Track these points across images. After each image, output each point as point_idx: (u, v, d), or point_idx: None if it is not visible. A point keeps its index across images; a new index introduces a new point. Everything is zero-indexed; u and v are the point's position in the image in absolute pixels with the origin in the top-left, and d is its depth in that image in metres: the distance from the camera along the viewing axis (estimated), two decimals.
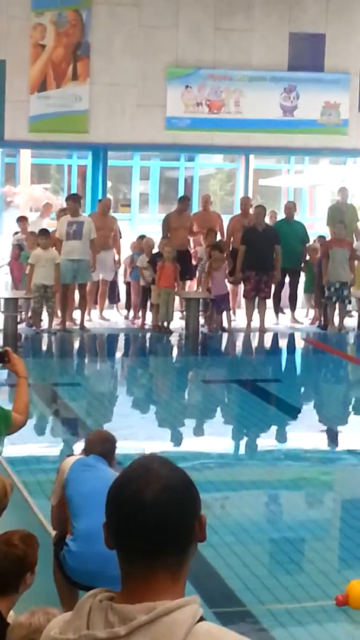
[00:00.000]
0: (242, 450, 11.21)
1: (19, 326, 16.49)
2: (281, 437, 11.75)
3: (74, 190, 22.11)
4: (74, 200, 17.28)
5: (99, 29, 19.54)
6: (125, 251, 18.35)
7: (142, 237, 18.06)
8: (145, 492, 2.15)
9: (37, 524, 7.37)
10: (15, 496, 8.06)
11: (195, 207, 20.26)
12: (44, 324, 16.81)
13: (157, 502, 2.15)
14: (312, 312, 18.71)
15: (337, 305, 17.80)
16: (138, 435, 11.30)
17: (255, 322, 17.42)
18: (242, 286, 17.99)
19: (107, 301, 18.29)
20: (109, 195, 20.38)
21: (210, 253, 17.31)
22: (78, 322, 17.13)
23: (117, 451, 10.00)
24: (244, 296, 17.98)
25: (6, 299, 16.43)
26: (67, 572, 5.62)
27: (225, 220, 18.79)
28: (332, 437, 11.86)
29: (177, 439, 11.42)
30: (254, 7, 20.03)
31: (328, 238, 18.46)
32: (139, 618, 2.07)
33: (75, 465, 5.84)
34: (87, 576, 5.45)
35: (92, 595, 2.17)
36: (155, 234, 18.21)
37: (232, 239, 18.15)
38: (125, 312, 18.42)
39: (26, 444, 10.36)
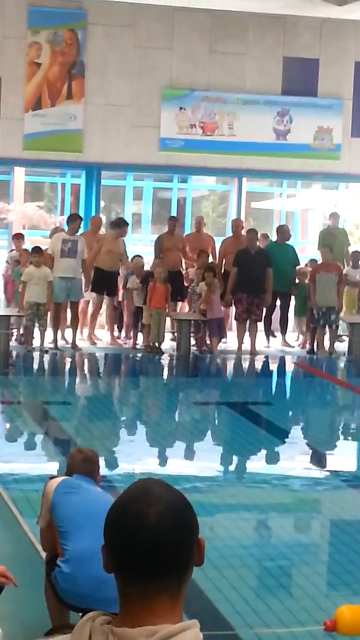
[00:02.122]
0: (231, 473, 11.21)
1: (11, 344, 16.49)
2: (271, 460, 11.76)
3: (67, 209, 22.14)
4: (77, 220, 17.39)
5: (94, 49, 19.63)
6: None
7: (137, 257, 18.09)
8: (147, 513, 2.16)
9: (26, 541, 7.37)
10: (4, 513, 8.09)
11: (188, 228, 20.29)
12: (36, 342, 16.81)
13: (159, 522, 2.16)
14: (302, 336, 18.76)
15: (326, 329, 17.85)
16: (128, 455, 11.32)
17: (246, 345, 17.46)
18: (233, 309, 18.03)
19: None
20: (101, 215, 20.41)
21: (203, 275, 17.34)
22: (70, 340, 17.15)
23: (107, 471, 10.03)
24: (235, 319, 18.02)
25: None
26: (59, 593, 5.62)
27: (217, 242, 18.84)
28: (322, 461, 11.87)
29: (166, 460, 11.42)
30: (248, 31, 20.15)
31: (319, 262, 18.53)
32: None
33: (59, 488, 5.81)
34: (78, 598, 5.45)
35: (90, 619, 2.17)
36: (148, 254, 18.24)
37: (224, 261, 18.20)
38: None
39: (17, 462, 10.38)
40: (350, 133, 20.66)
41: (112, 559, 2.19)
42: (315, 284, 17.64)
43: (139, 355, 17.26)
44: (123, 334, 18.27)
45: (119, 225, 17.83)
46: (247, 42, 20.20)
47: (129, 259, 17.85)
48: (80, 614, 5.53)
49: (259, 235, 18.70)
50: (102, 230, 18.71)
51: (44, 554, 6.18)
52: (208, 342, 17.47)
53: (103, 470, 10.57)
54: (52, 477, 6.17)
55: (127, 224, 18.34)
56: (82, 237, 17.29)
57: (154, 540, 2.15)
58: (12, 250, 18.63)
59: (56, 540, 5.73)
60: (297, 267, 18.53)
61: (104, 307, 17.95)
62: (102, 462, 11.04)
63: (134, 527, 2.15)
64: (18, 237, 18.59)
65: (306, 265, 18.85)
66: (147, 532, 2.15)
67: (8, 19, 19.24)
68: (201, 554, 2.25)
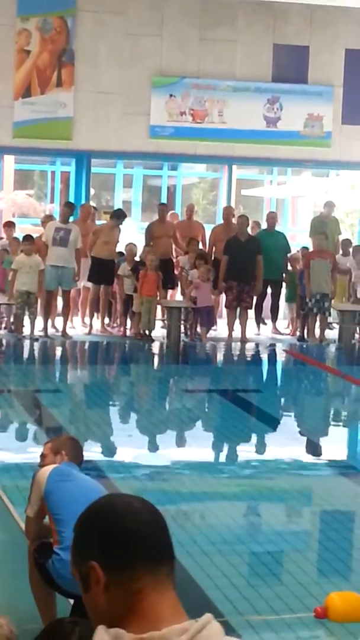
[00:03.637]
0: (222, 460, 11.22)
1: (0, 332, 16.47)
2: (261, 447, 11.78)
3: (57, 197, 22.11)
4: (69, 207, 17.37)
5: (84, 36, 19.58)
6: None
7: (130, 244, 18.06)
8: (131, 501, 2.19)
9: (17, 530, 7.37)
10: None
11: (179, 216, 20.25)
12: (26, 330, 16.79)
13: (146, 505, 2.20)
14: (292, 323, 18.78)
15: (317, 317, 17.87)
16: (119, 443, 11.33)
17: (237, 332, 17.47)
18: (223, 296, 18.04)
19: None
20: (92, 203, 20.38)
21: (194, 263, 17.35)
22: (60, 328, 17.15)
23: (98, 459, 10.05)
24: (225, 306, 18.03)
25: None
26: (57, 581, 5.62)
27: (207, 229, 18.83)
28: (312, 448, 11.89)
29: (157, 448, 11.43)
30: (238, 18, 20.11)
31: (311, 249, 18.53)
32: None
33: (52, 476, 5.81)
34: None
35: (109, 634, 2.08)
36: (138, 242, 18.23)
37: (214, 248, 18.20)
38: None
39: (7, 450, 10.37)
40: (341, 120, 20.65)
41: (110, 563, 2.11)
42: (310, 270, 17.61)
43: (129, 343, 17.26)
44: (111, 320, 18.25)
45: (119, 216, 17.83)
46: (237, 29, 20.17)
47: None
48: (72, 600, 5.55)
49: (250, 222, 18.71)
50: (100, 222, 18.69)
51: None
52: (199, 330, 17.47)
53: (94, 458, 10.60)
54: (41, 466, 6.15)
55: (126, 215, 18.40)
56: (75, 225, 17.26)
57: (150, 519, 2.16)
58: (1, 238, 18.60)
59: (52, 528, 5.73)
60: (289, 255, 18.53)
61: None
62: (93, 450, 11.07)
63: (127, 514, 2.15)
64: (8, 225, 18.55)
65: (297, 252, 18.85)
66: (141, 514, 2.16)
67: None
68: None
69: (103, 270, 17.44)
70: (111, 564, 2.11)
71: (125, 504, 2.18)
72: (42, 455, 6.22)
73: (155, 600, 2.10)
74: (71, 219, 17.50)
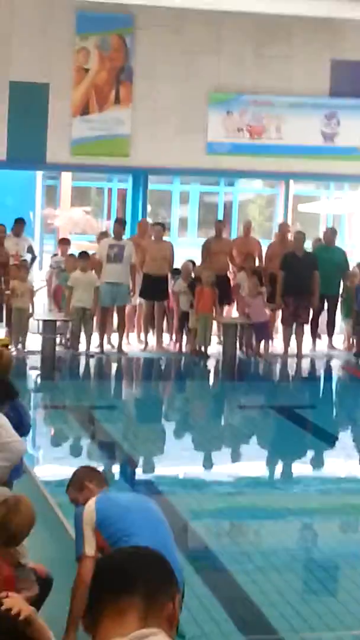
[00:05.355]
0: (277, 477, 11.18)
1: (57, 348, 16.54)
2: (317, 464, 11.72)
3: (113, 214, 22.21)
4: (120, 224, 17.45)
5: (141, 54, 19.68)
6: None
7: (187, 261, 18.04)
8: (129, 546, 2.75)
9: (70, 544, 7.38)
10: (51, 519, 8.11)
11: (235, 232, 20.24)
12: (82, 346, 16.85)
13: (137, 549, 2.71)
14: (348, 339, 18.65)
15: None
16: (173, 460, 11.32)
17: (293, 348, 17.40)
18: (279, 312, 17.97)
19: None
20: (148, 219, 20.43)
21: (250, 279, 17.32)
22: (116, 345, 17.18)
23: (152, 476, 10.07)
24: (281, 322, 17.95)
25: (45, 321, 16.50)
26: None
27: (264, 246, 18.80)
28: None
29: (212, 464, 11.41)
30: (295, 35, 20.09)
31: None
32: None
33: (100, 508, 5.77)
34: None
35: None
36: (195, 259, 18.23)
37: (270, 264, 18.14)
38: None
39: (62, 466, 10.41)
40: None
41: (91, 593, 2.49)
42: None
43: (185, 359, 17.25)
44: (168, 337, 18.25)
45: (157, 228, 17.86)
46: (292, 45, 20.14)
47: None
48: None
49: (311, 238, 18.64)
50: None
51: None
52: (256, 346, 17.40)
53: (149, 475, 10.62)
54: (77, 505, 6.03)
55: (161, 224, 18.41)
56: (130, 241, 17.31)
57: (126, 557, 2.54)
58: (55, 254, 18.71)
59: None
60: (347, 271, 18.41)
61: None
62: (147, 466, 11.08)
63: (114, 552, 2.72)
64: (64, 242, 18.65)
65: (354, 268, 18.72)
66: (123, 552, 2.63)
67: (57, 25, 19.33)
68: (175, 608, 2.46)
69: (154, 286, 17.44)
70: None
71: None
72: (72, 501, 6.11)
73: (113, 623, 2.44)
74: (128, 235, 17.54)
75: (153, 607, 2.41)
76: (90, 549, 5.67)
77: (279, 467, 11.66)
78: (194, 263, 17.93)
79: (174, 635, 2.45)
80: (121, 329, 17.23)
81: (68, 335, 17.08)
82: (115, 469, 10.78)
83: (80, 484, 6.06)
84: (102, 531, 5.66)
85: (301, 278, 17.18)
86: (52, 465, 10.86)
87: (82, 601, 5.62)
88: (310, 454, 12.03)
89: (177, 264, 17.93)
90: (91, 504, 5.78)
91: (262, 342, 17.36)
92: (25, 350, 16.52)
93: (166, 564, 2.54)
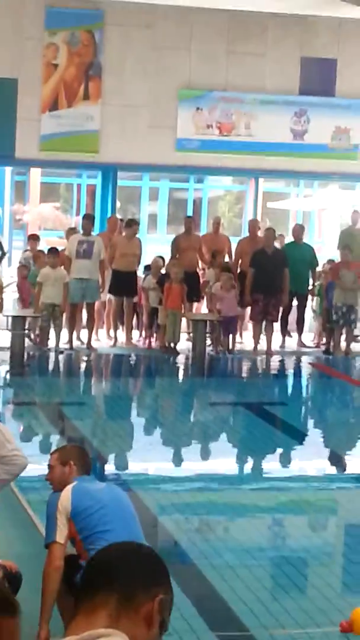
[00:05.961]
0: (246, 473, 11.18)
1: (26, 344, 16.47)
2: (286, 460, 11.72)
3: (83, 210, 22.15)
4: (89, 219, 17.41)
5: (111, 50, 19.63)
6: None
7: (156, 257, 18.02)
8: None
9: (40, 541, 7.34)
10: (20, 515, 8.07)
11: (204, 228, 20.24)
12: (51, 342, 16.80)
13: (120, 546, 2.62)
14: (318, 335, 18.69)
15: (343, 329, 17.77)
16: (143, 456, 11.30)
17: (262, 345, 17.41)
18: (249, 309, 17.98)
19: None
20: (118, 215, 20.39)
21: (219, 275, 17.31)
22: (85, 341, 17.13)
23: (122, 472, 10.03)
24: (251, 319, 17.97)
25: (14, 317, 16.41)
26: None
27: (233, 242, 18.80)
28: (337, 462, 11.83)
29: (181, 460, 11.39)
30: (266, 32, 20.10)
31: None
32: None
33: (76, 499, 5.74)
34: None
35: None
36: (164, 255, 18.21)
37: (240, 261, 18.15)
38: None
39: (32, 464, 10.34)
40: None
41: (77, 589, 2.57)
42: (340, 279, 17.45)
43: (154, 355, 17.22)
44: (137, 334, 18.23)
45: (129, 225, 17.80)
46: (264, 43, 20.16)
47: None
48: None
49: (276, 235, 18.65)
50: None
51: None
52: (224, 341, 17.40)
53: (118, 471, 10.58)
54: (49, 478, 6.06)
55: (137, 223, 18.38)
56: (99, 237, 17.27)
57: (114, 555, 2.51)
58: (26, 250, 18.63)
59: (79, 547, 5.67)
60: (317, 268, 18.44)
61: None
62: (117, 462, 11.05)
63: (109, 546, 2.58)
64: (33, 238, 18.59)
65: (324, 265, 18.77)
66: (104, 552, 2.54)
67: (26, 21, 19.25)
68: (153, 612, 2.42)
69: (123, 283, 17.40)
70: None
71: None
72: (50, 467, 6.13)
73: (84, 621, 2.45)
74: (97, 231, 17.49)
75: (128, 606, 2.39)
76: (61, 537, 5.68)
77: (248, 464, 11.65)
78: (163, 259, 17.92)
79: (154, 636, 2.42)
80: (90, 325, 17.20)
81: (37, 331, 17.02)
82: None
83: (67, 458, 6.05)
84: (75, 522, 5.66)
85: (271, 275, 17.19)
86: None
87: (54, 588, 5.67)
88: (279, 450, 12.03)
89: (147, 260, 17.91)
90: (67, 493, 5.76)
91: (230, 337, 17.36)
92: None
93: (159, 563, 2.51)
